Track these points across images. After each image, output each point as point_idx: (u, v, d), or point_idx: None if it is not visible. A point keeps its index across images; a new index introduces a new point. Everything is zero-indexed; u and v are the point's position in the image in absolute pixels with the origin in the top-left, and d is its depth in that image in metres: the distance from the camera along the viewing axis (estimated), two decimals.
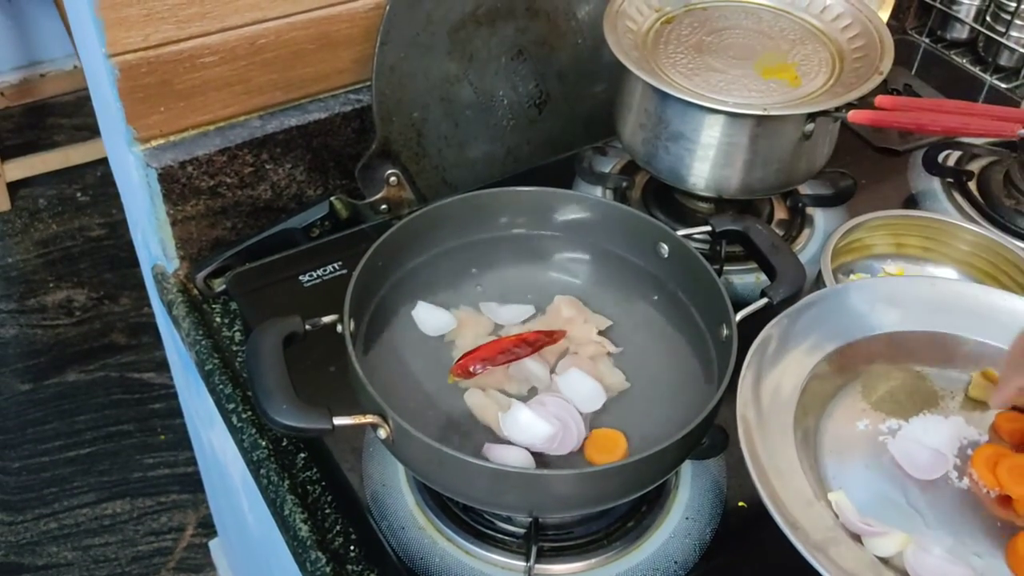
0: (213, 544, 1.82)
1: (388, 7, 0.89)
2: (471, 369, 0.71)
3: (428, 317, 0.76)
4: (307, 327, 0.67)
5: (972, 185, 1.06)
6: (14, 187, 2.53)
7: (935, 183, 1.07)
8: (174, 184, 0.90)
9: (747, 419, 0.65)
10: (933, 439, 0.70)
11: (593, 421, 0.71)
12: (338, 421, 0.61)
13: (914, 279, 0.81)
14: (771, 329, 0.71)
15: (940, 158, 1.07)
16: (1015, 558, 0.64)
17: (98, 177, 2.57)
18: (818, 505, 0.64)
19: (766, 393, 0.68)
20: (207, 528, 1.86)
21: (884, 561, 0.63)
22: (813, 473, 0.67)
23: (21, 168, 2.52)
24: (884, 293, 0.76)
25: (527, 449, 0.68)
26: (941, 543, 0.64)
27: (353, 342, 0.67)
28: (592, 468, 0.65)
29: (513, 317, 0.78)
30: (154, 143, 0.90)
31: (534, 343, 0.73)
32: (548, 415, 0.68)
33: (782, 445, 0.66)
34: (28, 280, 2.35)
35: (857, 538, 0.64)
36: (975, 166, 1.08)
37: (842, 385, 0.74)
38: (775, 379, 0.70)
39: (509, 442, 0.68)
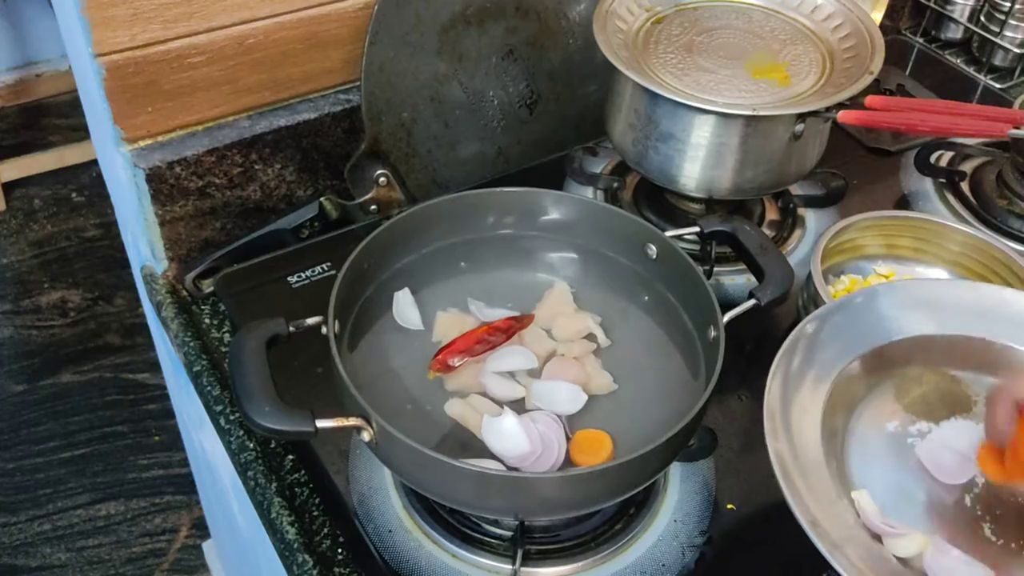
0: (207, 546, 1.81)
1: (376, 7, 0.88)
2: (450, 363, 0.71)
3: (406, 307, 0.76)
4: (291, 329, 0.66)
5: (964, 186, 1.05)
6: (9, 187, 2.53)
7: (927, 183, 1.06)
8: (162, 185, 0.90)
9: (773, 414, 0.65)
10: (962, 443, 0.69)
11: (579, 422, 0.71)
12: (321, 424, 0.60)
13: (955, 282, 0.80)
14: (804, 327, 0.70)
15: (932, 158, 1.07)
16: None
17: (93, 178, 2.57)
18: (840, 504, 0.63)
19: (794, 390, 0.68)
20: (201, 529, 1.86)
21: (904, 562, 0.63)
22: (838, 472, 0.66)
23: (16, 168, 2.52)
24: (921, 295, 0.76)
25: (501, 461, 0.67)
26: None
27: (338, 344, 0.66)
28: (578, 471, 0.65)
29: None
30: (142, 143, 0.89)
31: (507, 330, 0.74)
32: (533, 432, 0.68)
33: (807, 442, 0.65)
34: (23, 281, 2.35)
35: (878, 538, 0.64)
36: (967, 166, 1.08)
37: (874, 386, 0.73)
38: (805, 377, 0.69)
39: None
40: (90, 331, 2.23)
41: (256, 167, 0.94)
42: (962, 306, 0.75)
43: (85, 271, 2.37)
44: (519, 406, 0.72)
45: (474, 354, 0.72)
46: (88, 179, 2.57)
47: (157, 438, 2.02)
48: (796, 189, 1.02)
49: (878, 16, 1.20)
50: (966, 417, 0.72)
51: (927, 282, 0.80)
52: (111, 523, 1.88)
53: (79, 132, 2.62)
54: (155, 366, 2.10)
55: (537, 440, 0.67)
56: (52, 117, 2.78)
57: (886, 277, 0.91)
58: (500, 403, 0.71)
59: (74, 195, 2.56)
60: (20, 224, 2.49)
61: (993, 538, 0.65)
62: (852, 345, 0.72)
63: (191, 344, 0.89)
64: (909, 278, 0.91)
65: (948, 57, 1.31)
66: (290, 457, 0.81)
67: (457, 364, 0.71)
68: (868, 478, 0.67)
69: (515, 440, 0.66)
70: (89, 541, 1.85)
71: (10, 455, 1.98)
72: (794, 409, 0.67)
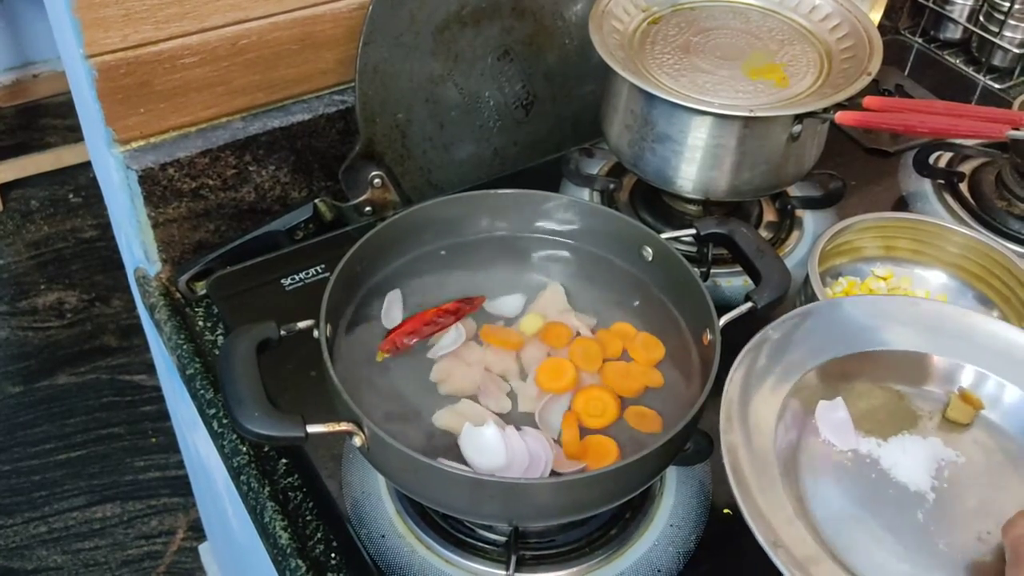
0: (203, 548, 1.81)
1: (370, 7, 0.88)
2: (399, 343, 0.72)
3: (392, 309, 0.76)
4: (282, 332, 0.66)
5: (963, 187, 1.05)
6: (6, 188, 2.53)
7: (926, 184, 1.06)
8: (155, 186, 0.89)
9: (732, 440, 0.64)
10: (911, 459, 0.70)
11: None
12: (312, 429, 0.60)
13: (895, 298, 0.80)
14: (756, 342, 0.71)
15: (931, 159, 1.06)
16: None
17: (90, 178, 2.56)
18: (798, 523, 0.63)
19: (751, 408, 0.68)
20: (197, 532, 1.85)
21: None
22: (793, 490, 0.66)
23: (13, 169, 2.51)
24: (866, 311, 0.76)
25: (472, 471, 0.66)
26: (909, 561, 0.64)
27: (330, 347, 0.66)
28: (572, 476, 0.64)
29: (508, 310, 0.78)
30: (134, 145, 0.89)
31: (456, 312, 0.75)
32: (520, 446, 0.67)
33: (765, 461, 0.65)
34: (19, 282, 2.34)
35: (836, 558, 0.63)
36: (966, 167, 1.07)
37: (827, 397, 0.73)
38: (760, 393, 0.69)
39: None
40: (87, 332, 2.23)
41: (250, 168, 0.94)
42: (903, 321, 0.76)
43: (82, 272, 2.36)
44: (506, 417, 0.71)
45: (423, 335, 0.74)
46: (85, 180, 2.57)
47: (154, 440, 2.02)
48: (794, 190, 1.01)
49: (876, 16, 1.19)
50: (913, 432, 0.72)
51: (868, 298, 0.80)
52: (107, 525, 1.87)
53: (76, 133, 2.61)
54: (152, 368, 2.10)
55: (524, 455, 0.66)
56: (49, 118, 2.77)
57: (884, 279, 0.91)
58: (490, 412, 0.70)
59: (71, 196, 2.56)
60: (17, 225, 2.48)
61: (947, 551, 0.64)
62: (803, 359, 0.72)
63: (184, 347, 0.89)
64: (907, 280, 0.91)
65: (947, 57, 1.30)
66: (283, 461, 0.80)
67: (408, 344, 0.73)
68: (819, 496, 0.67)
69: (491, 453, 0.65)
70: (85, 543, 1.85)
71: (6, 457, 1.98)
72: (752, 405, 0.67)
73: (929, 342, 0.75)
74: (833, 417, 0.71)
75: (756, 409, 0.68)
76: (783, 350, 0.72)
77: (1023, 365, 0.73)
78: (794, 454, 0.69)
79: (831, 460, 0.70)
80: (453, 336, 0.74)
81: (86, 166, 2.55)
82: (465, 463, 0.66)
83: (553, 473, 0.66)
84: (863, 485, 0.68)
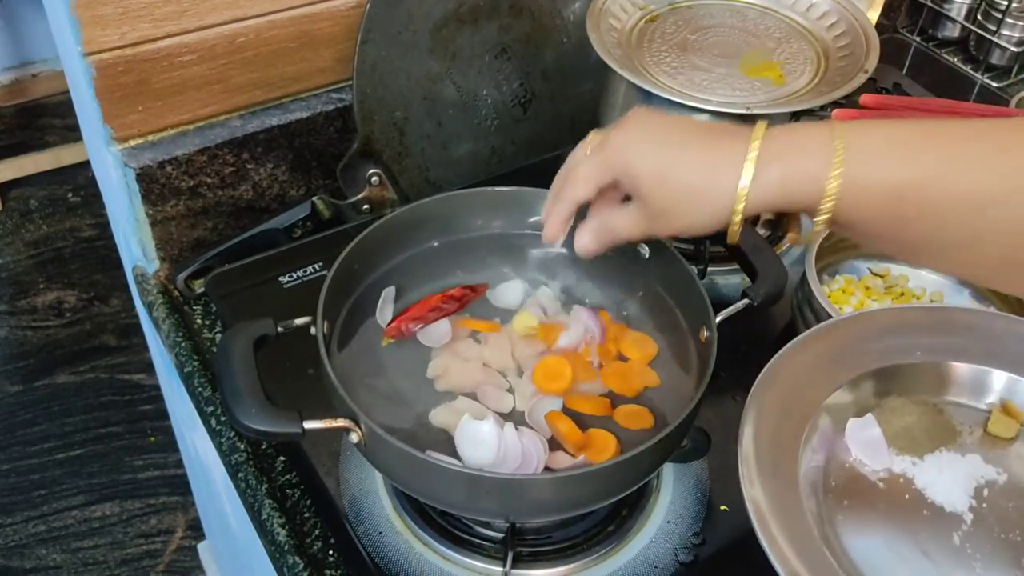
0: (202, 547, 1.81)
1: (368, 5, 0.88)
2: (404, 329, 0.72)
3: (385, 306, 0.76)
4: (279, 329, 0.66)
5: None
6: (5, 188, 2.53)
7: None
8: (153, 184, 0.89)
9: (749, 460, 0.63)
10: (948, 478, 0.67)
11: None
12: (309, 425, 0.60)
13: (920, 307, 0.78)
14: (777, 362, 0.69)
15: None
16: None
17: (89, 178, 2.56)
18: (823, 552, 0.60)
19: (769, 430, 0.65)
20: (196, 531, 1.85)
21: None
22: (820, 513, 0.64)
23: (12, 169, 2.51)
24: (891, 322, 0.74)
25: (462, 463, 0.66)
26: None
27: (327, 344, 0.66)
28: (569, 472, 0.64)
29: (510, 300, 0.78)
30: (132, 143, 0.89)
31: (461, 298, 0.76)
32: (515, 444, 0.66)
33: (786, 485, 0.63)
34: (18, 281, 2.34)
35: None
36: None
37: (854, 418, 0.71)
38: (780, 415, 0.67)
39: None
40: (86, 332, 2.23)
41: (248, 166, 0.94)
42: (932, 331, 0.73)
43: (81, 271, 2.36)
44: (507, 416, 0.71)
45: (428, 321, 0.74)
46: (84, 179, 2.57)
47: (152, 439, 2.02)
48: None
49: (874, 14, 1.19)
50: (951, 449, 0.69)
51: (896, 309, 0.78)
52: (106, 524, 1.88)
53: (75, 132, 2.61)
54: (151, 367, 2.09)
55: (517, 452, 0.66)
56: (48, 117, 2.77)
57: (881, 276, 0.91)
58: (488, 409, 0.70)
59: (70, 195, 2.56)
60: (16, 224, 2.48)
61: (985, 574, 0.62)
62: (828, 377, 0.70)
63: (182, 345, 0.89)
64: (904, 278, 0.91)
65: (945, 56, 1.31)
66: (281, 459, 0.80)
67: (412, 330, 0.73)
68: (852, 520, 0.65)
69: (484, 447, 0.65)
70: (84, 542, 1.85)
71: (5, 456, 1.98)
72: (768, 450, 0.64)
73: (962, 351, 0.72)
74: (864, 435, 0.69)
75: (777, 429, 0.65)
76: (806, 368, 0.69)
77: None
78: (823, 476, 0.67)
79: (863, 481, 0.67)
80: (444, 329, 0.75)
81: (85, 165, 2.55)
82: (457, 458, 0.66)
83: (548, 470, 0.66)
84: (896, 507, 0.65)
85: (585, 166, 0.66)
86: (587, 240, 0.68)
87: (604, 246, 0.68)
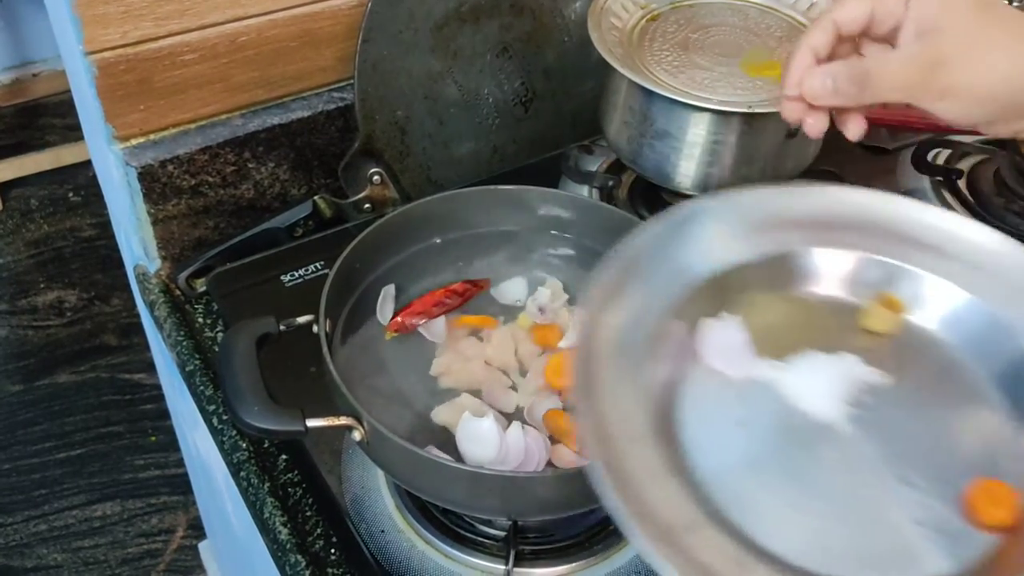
0: (203, 546, 1.81)
1: (370, 4, 0.88)
2: (408, 323, 0.73)
3: (385, 304, 0.76)
4: (282, 328, 0.66)
5: (962, 183, 1.05)
6: (6, 187, 2.53)
7: (924, 182, 1.06)
8: (155, 183, 0.89)
9: (584, 370, 0.52)
10: (819, 383, 0.57)
11: None
12: (311, 423, 0.60)
13: (799, 189, 0.65)
14: (620, 254, 0.58)
15: (929, 156, 1.06)
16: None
17: (90, 177, 2.55)
18: (671, 481, 0.50)
19: (612, 336, 0.54)
20: (197, 530, 1.85)
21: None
22: (668, 438, 0.52)
23: (12, 168, 2.51)
24: (764, 207, 0.63)
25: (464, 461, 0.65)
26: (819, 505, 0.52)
27: (329, 342, 0.66)
28: (572, 470, 0.64)
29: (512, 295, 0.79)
30: (134, 141, 0.89)
31: (463, 293, 0.76)
32: (519, 441, 0.66)
33: (631, 402, 0.52)
34: (19, 281, 2.34)
35: (722, 522, 0.50)
36: (965, 164, 1.07)
37: (710, 319, 0.60)
38: (624, 319, 0.56)
39: None
40: (86, 331, 2.23)
41: (249, 165, 0.94)
42: (800, 217, 0.62)
43: (82, 271, 2.36)
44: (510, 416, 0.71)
45: (432, 316, 0.74)
46: (85, 179, 2.57)
47: (153, 438, 2.02)
48: None
49: None
50: (823, 349, 0.59)
51: (794, 190, 0.65)
52: (107, 524, 1.88)
53: (76, 132, 2.59)
54: (151, 366, 2.09)
55: (520, 450, 0.65)
56: (49, 117, 2.77)
57: None
58: (491, 407, 0.70)
59: (71, 195, 2.56)
60: (17, 224, 2.48)
61: (866, 496, 0.52)
62: (677, 276, 0.59)
63: (184, 343, 0.89)
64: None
65: None
66: (283, 457, 0.80)
67: (415, 324, 0.74)
68: (706, 436, 0.54)
69: (485, 444, 0.65)
70: (85, 542, 1.85)
71: (6, 455, 1.98)
72: (612, 360, 0.53)
73: (842, 238, 0.61)
74: (721, 338, 0.58)
75: (620, 339, 0.54)
76: (657, 262, 0.59)
77: (962, 259, 0.60)
78: (672, 390, 0.56)
79: (719, 393, 0.56)
80: (440, 326, 0.75)
81: (85, 165, 2.55)
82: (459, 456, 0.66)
83: (551, 466, 0.66)
84: (760, 421, 0.55)
85: None
86: (825, 83, 0.53)
87: (844, 99, 0.54)
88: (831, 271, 0.62)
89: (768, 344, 0.59)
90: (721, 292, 0.60)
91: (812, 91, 0.55)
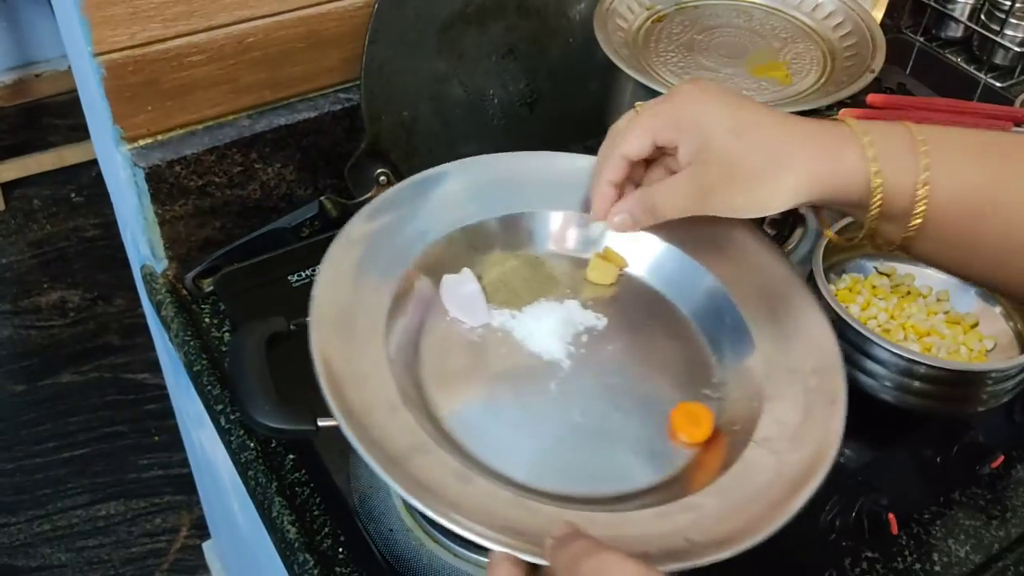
0: (207, 546, 1.81)
1: (376, 5, 0.88)
2: None
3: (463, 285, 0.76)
4: (292, 327, 0.66)
5: None
6: (8, 188, 2.53)
7: None
8: (162, 184, 0.90)
9: (323, 317, 0.60)
10: (546, 327, 0.66)
11: None
12: (323, 423, 0.60)
13: (538, 155, 0.73)
14: (353, 226, 0.66)
15: None
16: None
17: (93, 177, 2.57)
18: (403, 413, 0.57)
19: (350, 299, 0.62)
20: (201, 530, 1.86)
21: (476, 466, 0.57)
22: (412, 380, 0.62)
23: (15, 168, 2.52)
24: (501, 170, 0.72)
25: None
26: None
27: None
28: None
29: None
30: (141, 142, 0.89)
31: None
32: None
33: (367, 346, 0.60)
34: (22, 281, 2.34)
35: (452, 445, 0.58)
36: None
37: (449, 274, 0.68)
38: (361, 283, 0.63)
39: None
40: (89, 331, 2.23)
41: (256, 166, 0.94)
42: (522, 180, 0.71)
43: (84, 271, 2.36)
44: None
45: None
46: (88, 179, 2.57)
47: (157, 438, 2.02)
48: None
49: (879, 14, 1.19)
50: (550, 299, 0.68)
51: (534, 155, 0.74)
52: (111, 523, 1.88)
53: (79, 132, 2.62)
54: (155, 366, 2.10)
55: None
56: (52, 117, 2.78)
57: (887, 275, 0.91)
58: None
59: (73, 195, 2.56)
60: (19, 224, 2.49)
61: (582, 421, 0.61)
62: (418, 235, 0.67)
63: (191, 343, 0.89)
64: (911, 277, 0.91)
65: (948, 56, 1.31)
66: (291, 456, 0.81)
67: None
68: (445, 379, 0.63)
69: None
70: (89, 541, 1.85)
71: (10, 455, 1.98)
72: (352, 311, 0.62)
73: (570, 199, 0.70)
74: (460, 291, 0.66)
75: (364, 297, 0.62)
76: (402, 223, 0.66)
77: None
78: (417, 337, 0.64)
79: (459, 340, 0.65)
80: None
81: (88, 165, 2.55)
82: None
83: None
84: (494, 362, 0.64)
85: (645, 115, 0.59)
86: (622, 217, 0.62)
87: (641, 225, 0.62)
88: (560, 230, 0.72)
89: (505, 296, 0.68)
90: (466, 251, 0.69)
91: (616, 226, 0.64)
